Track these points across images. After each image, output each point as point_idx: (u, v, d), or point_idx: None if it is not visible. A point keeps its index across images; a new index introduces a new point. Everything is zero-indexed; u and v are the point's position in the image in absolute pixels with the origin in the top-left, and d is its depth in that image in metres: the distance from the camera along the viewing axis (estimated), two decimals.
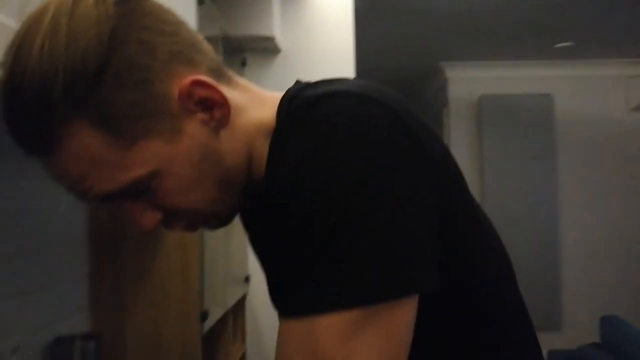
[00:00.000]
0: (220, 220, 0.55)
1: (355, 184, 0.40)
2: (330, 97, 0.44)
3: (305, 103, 0.45)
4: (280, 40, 2.15)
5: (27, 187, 1.12)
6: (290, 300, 0.41)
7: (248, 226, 0.63)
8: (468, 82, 4.54)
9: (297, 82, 0.57)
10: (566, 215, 4.41)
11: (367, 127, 0.41)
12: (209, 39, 1.68)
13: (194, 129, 0.47)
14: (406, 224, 0.40)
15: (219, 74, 0.51)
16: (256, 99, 0.54)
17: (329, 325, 0.39)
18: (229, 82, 0.53)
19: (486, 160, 4.39)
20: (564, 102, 4.43)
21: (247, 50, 2.15)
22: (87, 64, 0.42)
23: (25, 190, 1.12)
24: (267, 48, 2.16)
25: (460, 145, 4.55)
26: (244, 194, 0.53)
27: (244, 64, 2.14)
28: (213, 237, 1.53)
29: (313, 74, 2.11)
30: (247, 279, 2.07)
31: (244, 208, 0.57)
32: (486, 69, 4.48)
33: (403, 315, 0.41)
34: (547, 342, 4.05)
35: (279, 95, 0.54)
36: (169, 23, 0.48)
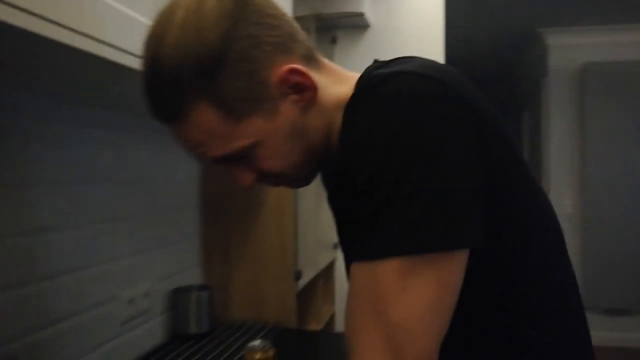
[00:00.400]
0: (301, 181, 0.67)
1: (411, 149, 0.47)
2: (394, 76, 0.51)
3: (373, 82, 0.52)
4: (370, 15, 2.20)
5: (153, 159, 1.32)
6: (358, 246, 0.50)
7: (326, 185, 0.74)
8: (570, 49, 4.24)
9: (375, 61, 0.65)
10: None
11: (422, 101, 0.49)
12: (303, 18, 1.78)
13: (288, 108, 0.58)
14: (455, 186, 0.47)
15: (309, 59, 0.61)
16: (338, 78, 0.63)
17: (388, 269, 0.47)
18: (317, 64, 0.63)
19: (588, 135, 4.11)
20: None
21: (338, 27, 2.23)
22: (210, 56, 0.53)
23: (152, 161, 1.32)
24: (357, 24, 2.22)
25: (560, 117, 4.29)
26: (324, 159, 0.63)
27: (334, 41, 2.23)
28: (305, 206, 1.67)
29: (402, 48, 2.17)
30: (335, 246, 2.20)
31: (324, 170, 0.67)
32: (591, 34, 4.15)
33: (452, 266, 0.48)
34: None
35: (357, 74, 0.63)
36: (273, 17, 0.58)
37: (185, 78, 0.53)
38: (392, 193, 0.47)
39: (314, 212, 1.81)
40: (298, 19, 1.56)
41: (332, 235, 2.12)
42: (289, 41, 0.58)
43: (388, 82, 0.51)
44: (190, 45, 0.52)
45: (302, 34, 0.62)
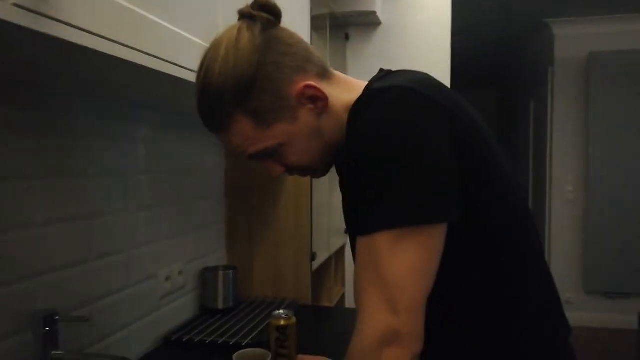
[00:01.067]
0: (320, 172, 0.83)
1: (399, 145, 0.62)
2: (388, 89, 0.66)
3: (372, 93, 0.68)
4: (381, 13, 2.32)
5: (184, 153, 1.48)
6: (359, 223, 0.65)
7: (339, 173, 0.90)
8: (576, 38, 4.32)
9: (381, 70, 0.81)
10: None
11: (408, 109, 0.64)
12: (318, 17, 1.92)
13: (305, 115, 0.74)
14: (435, 173, 0.62)
15: (322, 74, 0.77)
16: (346, 87, 0.79)
17: (382, 239, 0.62)
18: (329, 77, 0.79)
19: (592, 123, 4.20)
20: None
21: (350, 25, 2.35)
22: (245, 81, 0.70)
23: (183, 154, 1.47)
24: (369, 22, 2.34)
25: (565, 106, 4.39)
26: (338, 152, 0.79)
27: (347, 38, 2.35)
28: (319, 196, 1.82)
29: (411, 44, 2.32)
30: (346, 231, 2.35)
31: (337, 161, 0.83)
32: (597, 24, 4.22)
33: (433, 236, 0.63)
34: None
35: (364, 82, 0.79)
36: (291, 45, 0.74)
37: (226, 98, 0.70)
38: (384, 179, 0.62)
39: (327, 201, 1.97)
40: (314, 17, 1.70)
41: (344, 222, 2.28)
42: (304, 63, 0.74)
43: (383, 93, 0.66)
44: (230, 74, 0.70)
45: (315, 55, 0.78)
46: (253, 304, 1.64)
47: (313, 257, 1.71)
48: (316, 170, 0.82)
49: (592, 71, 4.22)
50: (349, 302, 2.33)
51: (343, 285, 2.36)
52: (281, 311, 1.11)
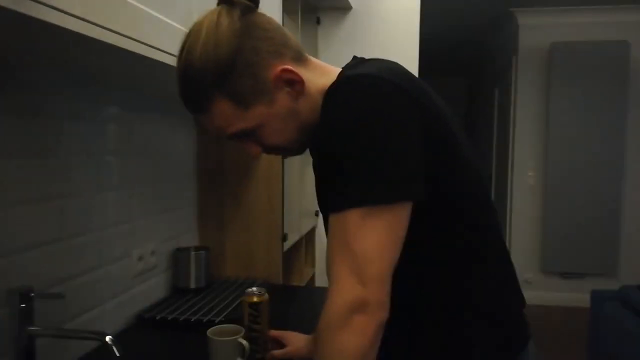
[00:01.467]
0: (295, 151, 0.87)
1: (366, 130, 0.66)
2: (359, 77, 0.71)
3: (345, 79, 0.72)
4: None
5: (157, 134, 1.48)
6: (331, 202, 0.70)
7: (312, 155, 0.93)
8: (540, 29, 4.45)
9: (354, 57, 0.85)
10: (632, 170, 4.36)
11: (375, 96, 0.68)
12: (290, 1, 1.92)
13: (282, 98, 0.78)
14: (400, 156, 0.67)
15: (298, 59, 0.80)
16: (321, 72, 0.83)
17: (352, 216, 0.66)
18: (305, 62, 0.82)
19: (553, 112, 4.37)
20: None
21: (322, 9, 2.37)
22: (224, 65, 0.72)
23: (156, 136, 1.48)
24: (339, 6, 2.36)
25: (527, 94, 4.54)
26: (312, 134, 0.82)
27: (318, 22, 2.37)
28: (290, 177, 1.86)
29: (381, 30, 2.36)
30: (317, 213, 2.41)
31: (312, 143, 0.86)
32: (559, 15, 4.36)
33: (399, 215, 0.68)
34: (602, 285, 4.20)
35: (337, 68, 0.83)
36: (269, 30, 0.77)
37: (206, 81, 0.73)
38: (354, 160, 0.67)
39: (298, 183, 2.00)
40: (286, 1, 1.71)
41: (314, 204, 2.32)
42: (281, 48, 0.77)
43: (355, 80, 0.71)
44: (211, 57, 0.72)
45: (292, 40, 0.81)
46: (225, 283, 1.68)
47: (284, 238, 1.75)
48: (292, 150, 0.85)
49: (553, 61, 4.37)
50: (319, 282, 2.39)
51: (313, 265, 2.41)
52: (254, 288, 1.15)
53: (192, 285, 1.57)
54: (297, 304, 1.57)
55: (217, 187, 1.75)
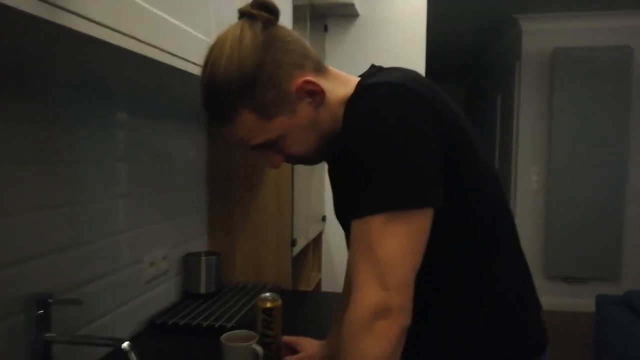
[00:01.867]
0: (315, 160, 0.87)
1: (390, 137, 0.67)
2: (381, 85, 0.72)
3: (367, 88, 0.73)
4: (359, 6, 2.37)
5: (168, 142, 1.49)
6: (354, 208, 0.71)
7: (330, 163, 0.94)
8: (542, 34, 4.47)
9: (372, 66, 0.86)
10: (635, 175, 4.37)
11: (399, 104, 0.69)
12: (299, 8, 1.95)
13: (304, 108, 0.79)
14: (422, 163, 0.68)
15: (318, 69, 0.81)
16: (341, 82, 0.84)
17: (375, 221, 0.67)
18: (325, 72, 0.83)
19: (556, 117, 4.38)
20: None
21: (329, 16, 2.38)
22: (248, 77, 0.74)
23: (167, 144, 1.49)
24: (347, 13, 2.38)
25: (530, 101, 4.54)
26: (331, 143, 0.83)
27: (326, 29, 2.38)
28: (299, 183, 1.87)
29: (387, 36, 2.38)
30: (323, 218, 2.41)
31: (332, 151, 0.87)
32: (562, 20, 4.38)
33: (421, 218, 0.69)
34: (604, 290, 4.20)
35: (356, 77, 0.84)
36: (290, 42, 0.78)
37: (232, 94, 0.74)
38: (376, 167, 0.68)
39: (306, 189, 2.01)
40: (295, 8, 1.73)
41: (321, 209, 2.33)
42: (302, 60, 0.78)
43: (378, 88, 0.72)
44: (235, 71, 0.74)
45: (312, 51, 0.82)
46: (235, 288, 1.68)
47: (294, 243, 1.75)
48: (312, 159, 0.86)
49: (556, 66, 4.38)
50: (325, 287, 2.39)
51: (320, 270, 2.41)
52: (267, 294, 1.15)
53: (203, 290, 1.57)
54: (306, 309, 1.58)
55: (226, 193, 1.75)
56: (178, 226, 1.57)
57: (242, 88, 0.74)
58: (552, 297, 4.43)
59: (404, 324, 0.68)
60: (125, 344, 0.82)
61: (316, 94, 0.78)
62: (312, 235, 2.13)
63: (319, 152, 0.84)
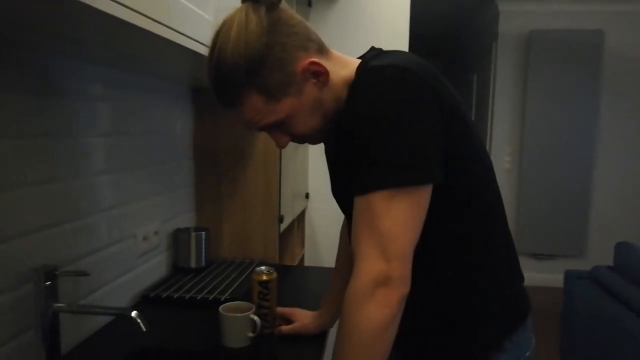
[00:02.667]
0: (319, 139, 0.90)
1: (394, 117, 0.71)
2: (385, 67, 0.75)
3: (369, 70, 0.77)
4: None
5: (155, 116, 1.49)
6: (357, 184, 0.75)
7: (326, 143, 0.97)
8: (519, 16, 4.54)
9: (372, 48, 0.89)
10: (603, 152, 4.54)
11: (402, 85, 0.73)
12: None
13: (309, 89, 0.81)
14: (422, 142, 0.72)
15: (321, 51, 0.84)
16: (342, 63, 0.86)
17: (378, 197, 0.71)
18: (327, 54, 0.86)
19: (529, 98, 4.49)
20: (615, 39, 4.41)
21: None
22: (255, 61, 0.76)
23: (154, 118, 1.49)
24: None
25: (506, 81, 4.64)
26: (333, 123, 0.87)
27: (309, 4, 2.38)
28: (285, 160, 1.89)
29: (371, 13, 2.39)
30: (307, 196, 2.45)
31: (333, 131, 0.91)
32: (539, 3, 4.46)
33: (421, 196, 0.73)
34: (571, 266, 4.40)
35: (356, 60, 0.87)
36: (294, 25, 0.80)
37: (239, 77, 0.77)
38: (380, 145, 0.72)
39: (291, 166, 2.04)
40: None
41: (305, 187, 2.37)
42: (306, 42, 0.81)
43: (382, 70, 0.75)
44: (242, 55, 0.76)
45: (314, 33, 0.85)
46: (224, 263, 1.71)
47: (281, 219, 1.79)
48: (316, 138, 0.89)
49: (532, 47, 4.48)
50: (308, 262, 2.44)
51: (303, 246, 2.46)
52: (262, 267, 1.19)
53: (193, 265, 1.60)
54: (293, 283, 1.63)
55: (214, 169, 1.77)
56: (167, 202, 1.59)
57: (250, 72, 0.76)
58: (523, 273, 4.61)
59: (403, 292, 0.73)
60: (134, 313, 0.85)
61: (321, 75, 0.81)
62: (297, 211, 2.17)
63: (323, 130, 0.87)
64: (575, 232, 4.54)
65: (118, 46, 0.91)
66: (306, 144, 2.34)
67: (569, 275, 2.85)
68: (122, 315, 0.88)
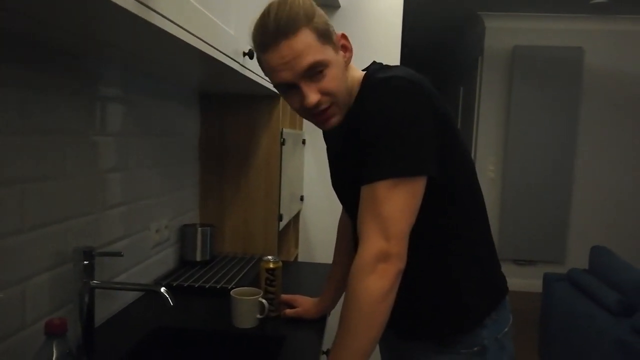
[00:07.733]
0: (338, 116, 0.97)
1: (398, 120, 0.85)
2: (390, 78, 0.89)
3: (377, 81, 0.91)
4: None
5: (168, 119, 1.61)
6: (363, 175, 0.88)
7: (327, 141, 1.11)
8: (504, 32, 4.75)
9: (374, 62, 1.03)
10: (581, 167, 4.75)
11: (406, 95, 0.87)
12: None
13: (340, 57, 0.95)
14: (420, 141, 0.86)
15: None
16: (352, 67, 1.01)
17: (381, 185, 0.85)
18: None
19: (513, 111, 4.69)
20: (594, 56, 4.64)
21: None
22: (311, 12, 0.90)
23: (168, 121, 1.61)
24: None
25: (490, 94, 4.83)
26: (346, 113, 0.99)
27: None
28: (285, 164, 2.02)
29: (366, 27, 2.55)
30: (302, 198, 2.58)
31: (335, 129, 1.02)
32: (522, 20, 4.67)
33: (418, 186, 0.87)
34: (551, 271, 4.57)
35: (360, 71, 1.01)
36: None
37: (301, 14, 0.89)
38: (385, 143, 0.86)
39: (289, 169, 2.16)
40: None
41: (300, 189, 2.49)
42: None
43: (387, 81, 0.90)
44: (302, 4, 0.90)
45: None
46: (226, 258, 1.83)
47: (280, 217, 1.91)
48: (340, 107, 0.96)
49: (516, 62, 4.68)
50: (302, 260, 2.56)
51: (297, 246, 2.58)
52: (269, 257, 1.32)
53: (198, 258, 1.71)
54: (292, 276, 1.75)
55: (218, 169, 1.89)
56: (176, 198, 1.70)
57: (308, 14, 0.89)
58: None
59: (400, 267, 0.86)
60: (163, 289, 0.97)
61: (347, 50, 0.97)
62: (294, 212, 2.29)
63: (344, 102, 0.97)
64: (555, 239, 4.73)
65: (151, 54, 1.04)
66: (303, 149, 2.47)
67: (548, 278, 3.02)
68: (151, 291, 0.99)
